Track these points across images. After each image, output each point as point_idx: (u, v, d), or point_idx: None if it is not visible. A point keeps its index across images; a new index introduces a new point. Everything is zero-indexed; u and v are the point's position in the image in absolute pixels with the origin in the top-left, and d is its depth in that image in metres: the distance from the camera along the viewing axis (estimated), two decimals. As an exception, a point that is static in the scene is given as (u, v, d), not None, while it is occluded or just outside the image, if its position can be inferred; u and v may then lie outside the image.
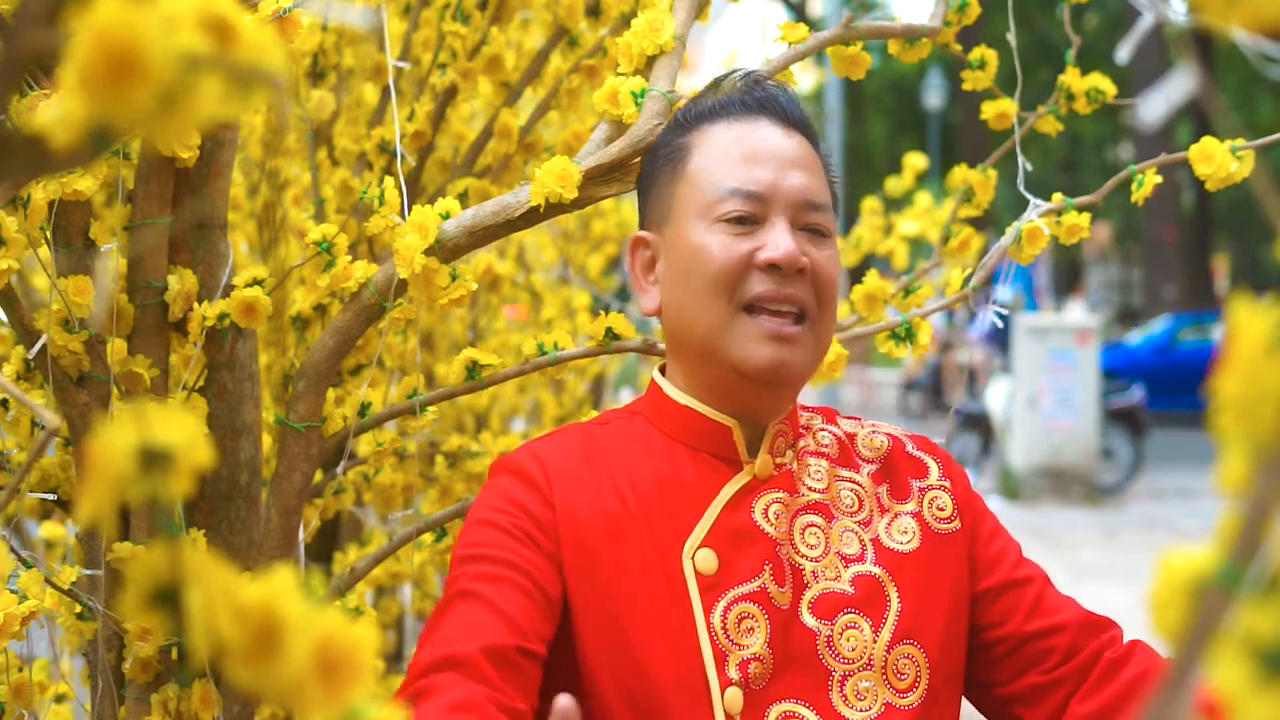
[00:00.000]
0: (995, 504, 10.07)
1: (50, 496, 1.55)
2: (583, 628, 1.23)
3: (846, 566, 1.30)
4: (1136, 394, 11.13)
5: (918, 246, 3.04)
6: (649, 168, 1.39)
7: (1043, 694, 1.29)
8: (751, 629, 1.24)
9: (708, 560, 1.26)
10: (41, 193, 1.40)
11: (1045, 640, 1.31)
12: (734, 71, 1.41)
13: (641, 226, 1.40)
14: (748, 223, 1.29)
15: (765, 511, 1.29)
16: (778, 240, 1.27)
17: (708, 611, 1.24)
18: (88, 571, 1.50)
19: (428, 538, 1.65)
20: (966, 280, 1.68)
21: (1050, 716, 1.29)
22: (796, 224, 1.30)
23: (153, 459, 0.44)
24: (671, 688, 1.22)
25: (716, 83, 1.40)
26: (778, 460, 1.33)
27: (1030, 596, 1.33)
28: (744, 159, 1.31)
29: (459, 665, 1.13)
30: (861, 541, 1.32)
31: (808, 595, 1.27)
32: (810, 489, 1.33)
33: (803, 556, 1.29)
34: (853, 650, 1.26)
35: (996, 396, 11.19)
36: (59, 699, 1.81)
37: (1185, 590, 0.41)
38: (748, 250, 1.28)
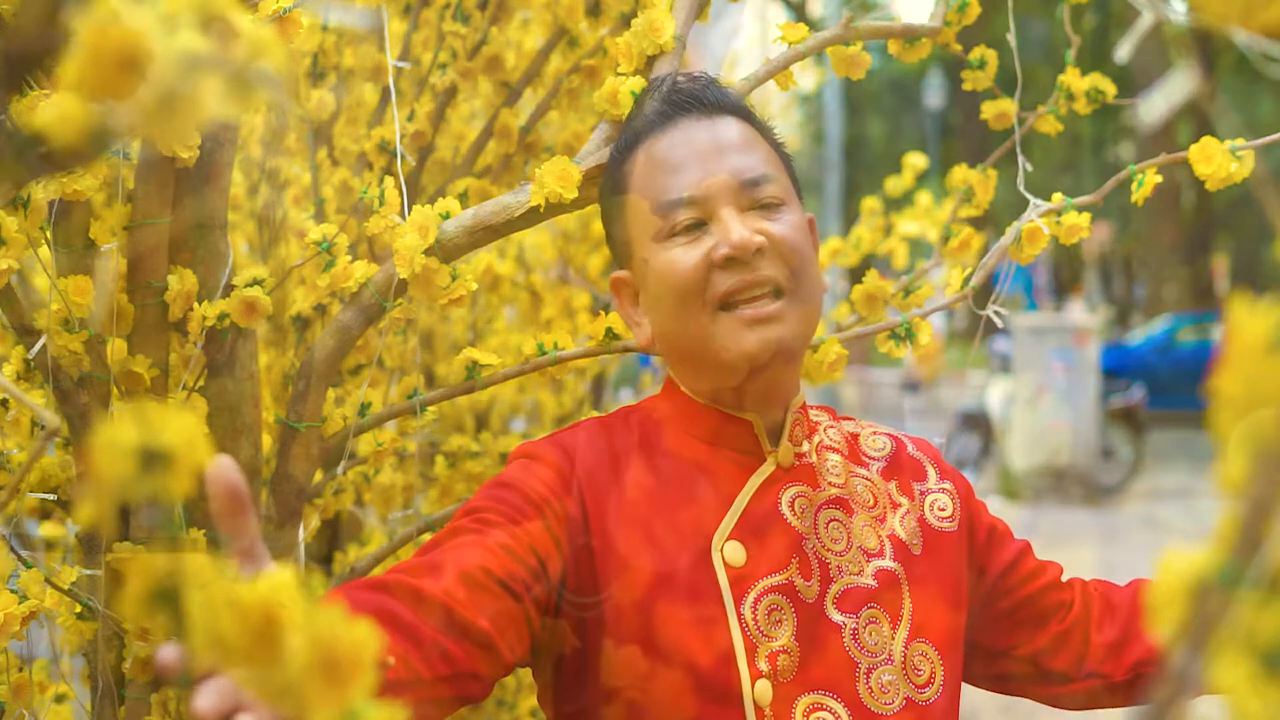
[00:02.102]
0: (995, 504, 10.06)
1: (50, 496, 1.55)
2: (611, 620, 1.23)
3: (868, 561, 1.31)
4: (1136, 394, 11.13)
5: (918, 246, 3.04)
6: (604, 209, 1.40)
7: (1065, 639, 1.43)
8: (780, 621, 1.25)
9: (736, 552, 1.26)
10: (41, 193, 1.40)
11: (1053, 595, 1.45)
12: (654, 81, 1.40)
13: (617, 265, 1.40)
14: (696, 228, 1.29)
15: (791, 504, 1.30)
16: (726, 232, 1.27)
17: (738, 603, 1.24)
18: (88, 571, 1.50)
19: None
20: (966, 280, 1.68)
21: (1075, 655, 1.43)
22: (743, 206, 1.29)
23: (153, 459, 0.44)
24: (703, 680, 1.22)
25: (639, 104, 1.40)
26: (797, 450, 1.34)
27: (1031, 562, 1.47)
28: (671, 169, 1.30)
29: (429, 572, 1.13)
30: (879, 537, 1.34)
31: (833, 589, 1.28)
32: (831, 483, 1.34)
33: (828, 550, 1.30)
34: (875, 644, 1.28)
35: (996, 396, 11.18)
36: (59, 699, 1.81)
37: (1185, 590, 0.41)
38: (703, 253, 1.27)
